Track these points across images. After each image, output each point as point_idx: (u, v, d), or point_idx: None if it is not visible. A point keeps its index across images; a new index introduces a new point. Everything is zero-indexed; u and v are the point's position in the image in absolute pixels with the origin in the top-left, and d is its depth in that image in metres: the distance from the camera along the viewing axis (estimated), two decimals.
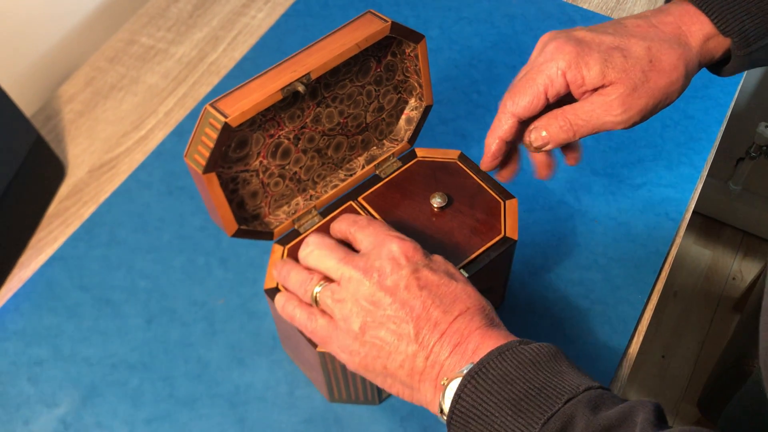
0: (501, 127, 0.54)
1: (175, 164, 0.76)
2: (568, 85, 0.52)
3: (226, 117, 0.48)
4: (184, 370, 0.64)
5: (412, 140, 0.63)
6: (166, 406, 0.62)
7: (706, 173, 0.76)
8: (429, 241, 0.57)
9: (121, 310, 0.67)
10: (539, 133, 0.53)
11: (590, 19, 0.88)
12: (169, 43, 0.87)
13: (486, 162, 0.57)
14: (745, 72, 0.83)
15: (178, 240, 0.71)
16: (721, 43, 0.52)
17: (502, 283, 0.62)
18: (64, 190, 0.75)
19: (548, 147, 0.54)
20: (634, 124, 0.52)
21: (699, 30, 0.52)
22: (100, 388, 0.63)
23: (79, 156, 0.78)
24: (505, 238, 0.57)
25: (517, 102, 0.52)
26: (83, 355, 0.65)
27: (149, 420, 0.61)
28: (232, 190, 0.55)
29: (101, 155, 0.78)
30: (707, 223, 1.72)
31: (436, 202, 0.58)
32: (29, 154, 0.71)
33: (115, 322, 0.66)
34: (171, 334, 0.66)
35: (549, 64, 0.51)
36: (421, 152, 0.62)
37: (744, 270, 1.66)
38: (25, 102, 0.84)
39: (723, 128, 0.79)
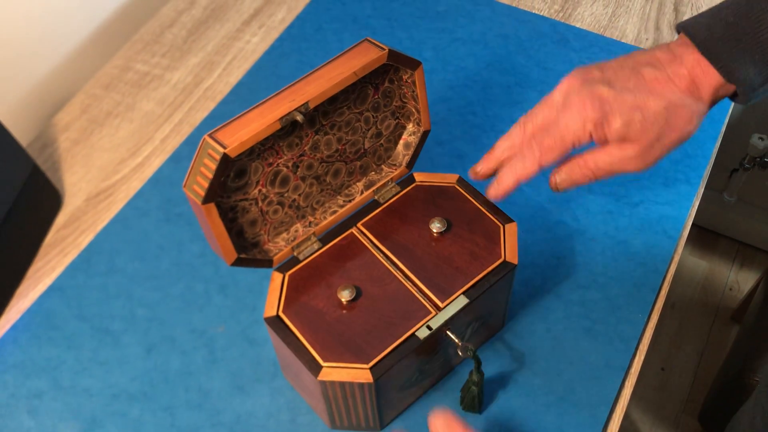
0: (524, 172, 0.56)
1: (172, 191, 0.76)
2: (590, 139, 0.55)
3: (224, 147, 0.48)
4: (185, 399, 0.63)
5: (410, 165, 0.63)
6: None
7: (702, 189, 0.76)
8: (429, 266, 0.57)
9: (120, 339, 0.67)
10: (564, 178, 0.57)
11: (583, 37, 0.88)
12: (165, 69, 0.87)
13: (482, 177, 0.60)
14: None
15: (176, 267, 0.71)
16: (728, 89, 0.55)
17: (503, 306, 0.62)
18: (61, 219, 0.75)
19: (570, 188, 0.58)
20: (647, 169, 0.57)
21: (710, 84, 0.54)
22: (100, 420, 0.62)
23: (76, 184, 0.78)
24: (505, 263, 0.57)
25: (547, 159, 0.56)
26: (83, 386, 0.64)
27: None
28: (231, 219, 0.55)
29: (98, 183, 0.78)
30: (703, 234, 1.72)
31: (436, 227, 0.58)
32: (26, 184, 0.70)
33: (114, 352, 0.66)
34: (171, 363, 0.65)
35: (576, 126, 0.54)
36: (419, 177, 0.62)
37: (741, 280, 1.66)
38: (21, 131, 0.84)
39: (718, 144, 0.79)
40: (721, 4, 0.56)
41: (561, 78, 0.84)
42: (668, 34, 0.89)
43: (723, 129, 0.80)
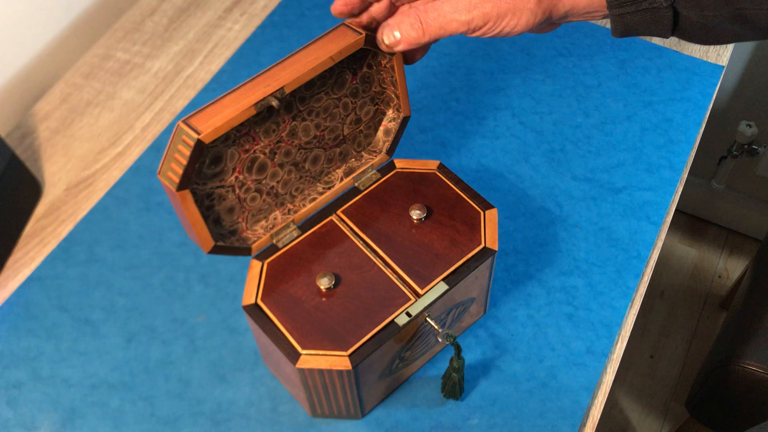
0: None
1: (152, 180, 0.76)
2: None
3: (198, 133, 0.48)
4: (166, 388, 0.63)
5: (390, 151, 0.62)
6: (148, 426, 0.61)
7: (686, 176, 0.76)
8: (409, 253, 0.57)
9: (100, 329, 0.66)
10: (391, 32, 0.52)
11: (567, 23, 0.88)
12: (145, 58, 0.86)
13: (336, 6, 0.55)
14: (724, 71, 0.84)
15: (157, 257, 0.70)
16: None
17: (485, 292, 0.62)
18: (40, 209, 0.75)
19: (400, 47, 0.53)
20: (476, 28, 0.51)
21: None
22: (80, 410, 0.62)
23: (56, 174, 0.77)
24: (485, 249, 0.56)
25: None
26: (63, 376, 0.64)
27: None
28: (207, 206, 0.54)
29: (78, 173, 0.77)
30: (692, 221, 1.72)
31: (416, 213, 0.58)
32: (4, 173, 0.70)
33: (94, 342, 0.66)
34: (151, 353, 0.65)
35: None
36: (400, 163, 0.62)
37: (729, 268, 1.66)
38: (0, 121, 0.83)
39: (702, 130, 0.79)
40: None
41: (544, 64, 0.84)
42: None
43: (707, 115, 0.80)
